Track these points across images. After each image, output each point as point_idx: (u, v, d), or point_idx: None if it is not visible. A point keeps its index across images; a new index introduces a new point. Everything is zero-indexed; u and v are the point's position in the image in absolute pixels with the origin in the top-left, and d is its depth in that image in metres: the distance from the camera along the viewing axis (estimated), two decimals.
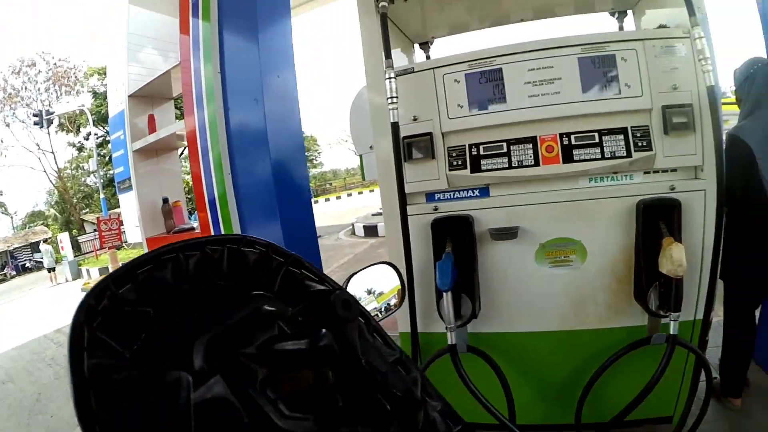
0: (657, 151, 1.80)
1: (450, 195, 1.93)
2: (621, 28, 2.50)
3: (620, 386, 1.96)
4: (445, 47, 2.63)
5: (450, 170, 1.85)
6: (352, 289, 1.05)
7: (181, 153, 4.42)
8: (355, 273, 1.08)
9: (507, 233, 1.82)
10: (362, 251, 8.11)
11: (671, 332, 1.78)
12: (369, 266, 1.11)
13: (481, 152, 1.84)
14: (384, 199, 1.94)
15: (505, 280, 1.93)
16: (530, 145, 1.82)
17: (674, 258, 1.64)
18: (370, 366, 0.49)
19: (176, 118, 3.52)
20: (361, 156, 2.38)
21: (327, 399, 0.45)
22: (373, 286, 1.17)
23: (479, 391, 1.78)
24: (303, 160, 2.68)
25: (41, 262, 19.13)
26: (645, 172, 1.86)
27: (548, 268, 1.90)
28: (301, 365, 0.44)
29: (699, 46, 1.64)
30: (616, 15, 2.46)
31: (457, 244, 1.82)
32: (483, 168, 1.83)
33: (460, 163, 1.85)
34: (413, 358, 1.95)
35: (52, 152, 31.65)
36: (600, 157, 1.80)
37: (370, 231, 9.67)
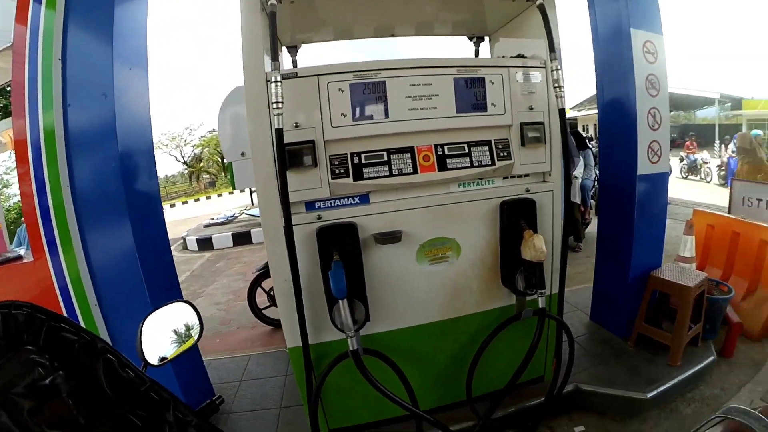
0: (515, 160, 2.15)
1: (331, 203, 2.00)
2: (477, 52, 2.87)
3: (500, 359, 2.36)
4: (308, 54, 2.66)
5: (333, 178, 1.92)
6: (149, 329, 1.17)
7: None
8: (150, 313, 1.16)
9: (391, 237, 1.98)
10: (199, 267, 7.49)
11: (540, 306, 2.20)
12: (165, 305, 1.21)
13: (363, 161, 1.95)
14: (263, 209, 1.93)
15: (390, 281, 2.11)
16: (409, 155, 2.00)
17: (536, 246, 2.02)
18: (116, 393, 0.72)
19: None
20: (230, 164, 2.26)
21: (70, 420, 0.63)
22: (174, 325, 1.27)
23: (386, 387, 1.95)
24: (154, 164, 2.53)
25: None
26: (504, 178, 2.20)
27: (428, 266, 2.14)
28: (50, 396, 0.62)
29: (555, 76, 2.01)
30: (474, 40, 2.77)
31: (343, 252, 1.93)
32: (365, 176, 1.94)
33: (342, 171, 1.93)
34: (306, 370, 2.03)
35: None
36: (469, 165, 2.08)
37: (204, 244, 8.98)
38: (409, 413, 2.01)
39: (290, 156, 1.83)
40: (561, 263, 2.29)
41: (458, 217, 2.12)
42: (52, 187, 2.19)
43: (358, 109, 1.92)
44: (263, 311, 4.37)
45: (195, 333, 1.26)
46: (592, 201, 6.06)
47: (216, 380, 3.07)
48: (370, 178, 1.95)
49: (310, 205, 1.98)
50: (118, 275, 2.31)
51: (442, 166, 2.03)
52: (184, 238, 9.47)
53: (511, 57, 2.23)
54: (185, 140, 36.73)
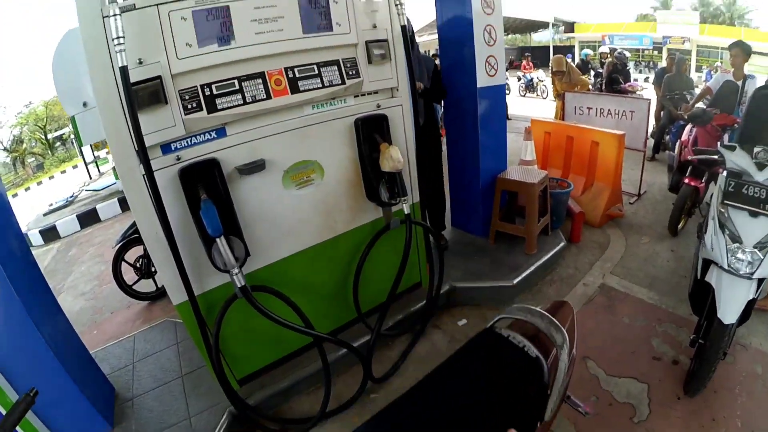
0: (364, 77, 2.44)
1: (188, 141, 2.08)
2: None
3: (380, 272, 2.69)
4: None
5: (186, 114, 2.01)
6: None
7: None
8: None
9: (255, 166, 2.19)
10: (51, 261, 6.72)
11: (406, 213, 2.56)
12: None
13: (215, 91, 2.07)
14: (119, 160, 1.94)
15: (262, 212, 2.31)
16: (260, 80, 2.17)
17: (393, 157, 2.35)
18: None
19: None
20: (73, 117, 2.12)
21: None
22: None
23: (284, 318, 2.14)
24: None
25: None
26: (355, 96, 2.48)
27: (296, 191, 2.40)
28: None
29: None
30: None
31: (209, 189, 2.05)
32: (219, 107, 2.07)
33: (195, 105, 2.03)
34: (199, 323, 2.13)
35: None
36: (321, 86, 2.32)
37: (49, 234, 8.02)
38: (313, 339, 2.29)
39: (138, 96, 1.83)
40: (418, 173, 2.72)
41: (317, 139, 2.40)
42: None
43: (203, 38, 1.98)
44: (133, 287, 4.25)
45: None
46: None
47: (108, 371, 3.03)
48: (224, 109, 2.08)
49: (166, 148, 2.04)
50: None
51: (295, 89, 2.25)
52: (26, 234, 8.31)
53: None
54: None
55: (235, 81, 2.07)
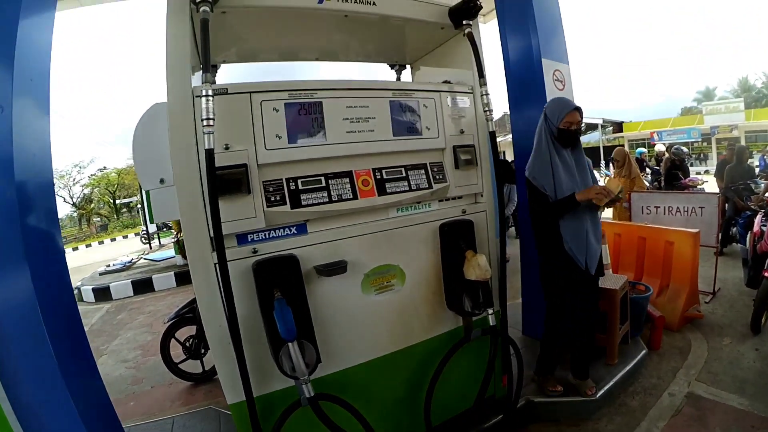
0: (450, 182, 2.30)
1: (266, 234, 1.94)
2: (398, 80, 3.04)
3: (454, 384, 2.38)
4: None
5: (268, 206, 1.88)
6: None
7: None
8: None
9: (336, 268, 1.97)
10: (98, 320, 6.78)
11: (491, 324, 2.31)
12: None
13: (300, 186, 1.96)
14: (190, 244, 1.80)
15: (337, 316, 2.08)
16: (347, 179, 2.06)
17: (481, 265, 2.15)
18: None
19: None
20: (148, 192, 2.05)
21: None
22: None
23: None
24: (53, 193, 2.18)
25: None
26: (440, 200, 2.34)
27: (374, 296, 2.16)
28: None
29: (485, 100, 2.26)
30: (396, 67, 2.96)
31: (284, 288, 1.85)
32: (303, 203, 1.94)
33: (278, 198, 1.90)
34: (254, 428, 1.85)
35: None
36: (407, 189, 2.18)
37: (102, 294, 8.20)
38: None
39: (220, 182, 1.71)
40: (500, 281, 2.46)
41: (400, 243, 2.20)
42: None
43: (293, 131, 1.92)
44: (179, 365, 4.00)
45: None
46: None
47: None
48: (309, 205, 1.94)
49: (242, 239, 1.90)
50: (15, 329, 1.96)
51: (382, 191, 2.11)
52: (78, 288, 8.42)
53: (439, 83, 2.42)
54: (74, 179, 33.32)
55: (322, 178, 1.97)
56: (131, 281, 8.46)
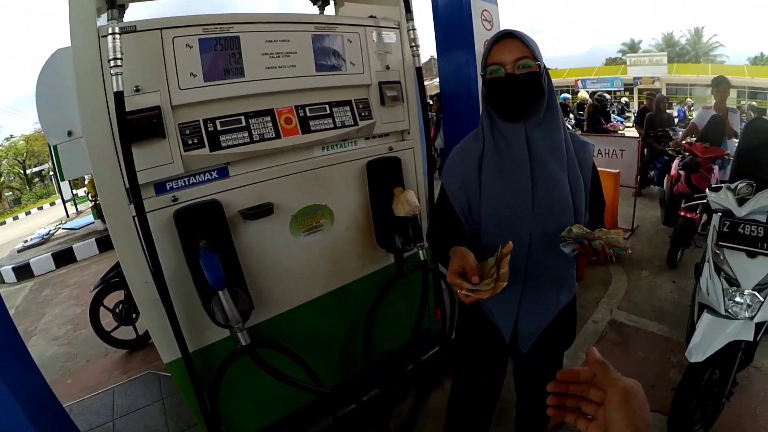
0: (376, 119, 2.24)
1: (186, 181, 1.81)
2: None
3: (390, 320, 2.47)
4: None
5: (186, 150, 1.74)
6: None
7: None
8: None
9: (262, 211, 1.90)
10: (23, 300, 6.33)
11: (422, 259, 2.38)
12: None
13: (219, 127, 1.82)
14: (105, 199, 1.65)
15: (268, 260, 2.03)
16: (269, 118, 1.94)
17: (410, 201, 2.16)
18: None
19: None
20: (55, 147, 1.85)
21: None
22: None
23: (292, 377, 1.92)
24: None
25: None
26: (366, 138, 2.29)
27: (304, 237, 2.13)
28: None
29: (412, 35, 2.19)
30: (319, 3, 2.69)
31: (209, 235, 1.77)
32: (223, 144, 1.81)
33: (196, 141, 1.76)
34: (194, 384, 1.82)
35: None
36: (333, 126, 2.10)
37: (23, 272, 7.63)
38: (318, 396, 2.03)
39: (132, 127, 1.56)
40: (429, 216, 2.48)
41: (326, 182, 2.15)
42: None
43: (209, 69, 1.76)
44: (112, 334, 3.87)
45: None
46: None
47: (85, 428, 2.68)
48: (229, 146, 1.82)
49: (160, 188, 1.76)
50: None
51: (306, 129, 2.02)
52: None
53: (364, 17, 2.28)
54: None
55: (242, 117, 1.84)
56: (51, 254, 7.94)
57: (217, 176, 1.86)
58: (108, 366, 3.81)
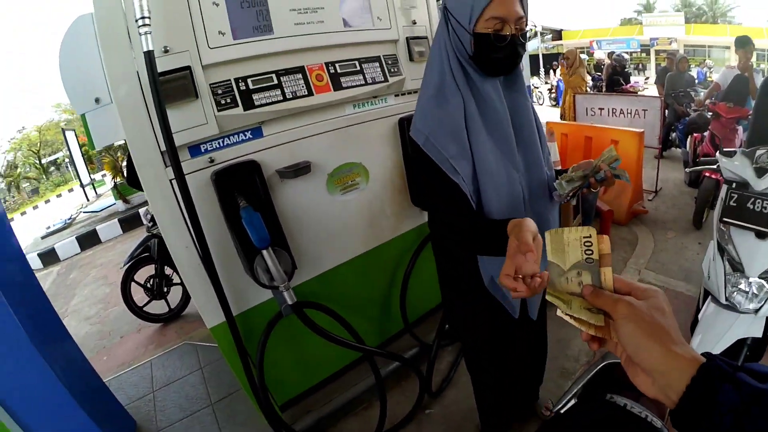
0: (406, 75, 2.16)
1: (220, 143, 1.77)
2: None
3: (425, 279, 2.38)
4: None
5: (219, 110, 1.69)
6: None
7: None
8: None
9: (299, 169, 1.85)
10: (51, 285, 6.39)
11: None
12: None
13: (251, 86, 1.76)
14: (140, 163, 1.62)
15: (306, 219, 2.00)
16: (300, 75, 1.88)
17: None
18: None
19: None
20: (83, 116, 1.80)
21: None
22: None
23: (338, 335, 1.91)
24: None
25: None
26: (396, 95, 2.21)
27: (341, 196, 2.09)
28: None
29: None
30: None
31: (248, 196, 1.74)
32: (257, 103, 1.76)
33: (229, 101, 1.71)
34: (239, 347, 1.81)
35: None
36: (364, 83, 2.03)
37: (48, 257, 7.77)
38: (363, 353, 2.01)
39: (163, 89, 1.52)
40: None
41: (360, 140, 2.10)
42: None
43: (237, 26, 1.70)
44: (144, 309, 3.93)
45: None
46: None
47: (125, 401, 2.72)
48: (263, 105, 1.77)
49: (195, 150, 1.72)
50: None
51: (337, 86, 1.95)
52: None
53: None
54: None
55: (273, 75, 1.78)
56: (75, 237, 8.07)
57: (251, 136, 1.82)
58: (142, 341, 3.85)
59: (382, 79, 2.06)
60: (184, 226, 1.68)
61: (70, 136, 13.51)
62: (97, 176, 14.62)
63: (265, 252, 1.71)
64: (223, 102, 1.70)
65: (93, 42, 1.63)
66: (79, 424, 2.07)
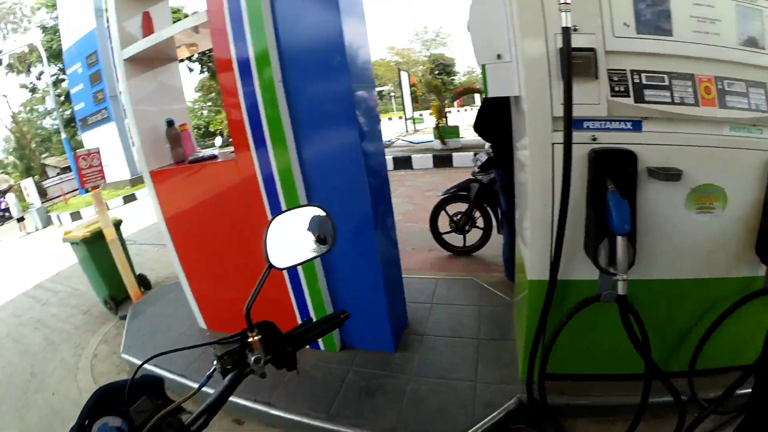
0: None
1: (602, 124, 1.78)
2: None
3: (728, 333, 2.05)
4: None
5: (612, 96, 1.72)
6: (276, 231, 0.98)
7: None
8: (278, 215, 1.00)
9: (670, 174, 1.74)
10: (406, 185, 7.43)
11: None
12: (294, 209, 1.06)
13: (643, 81, 1.75)
14: (532, 121, 1.75)
15: (655, 224, 1.88)
16: (689, 83, 1.78)
17: None
18: None
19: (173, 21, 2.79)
20: (484, 66, 2.02)
21: None
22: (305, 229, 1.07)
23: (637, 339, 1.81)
24: (371, 75, 2.80)
25: (6, 212, 17.68)
26: None
27: (694, 214, 1.89)
28: None
29: None
30: None
31: (617, 182, 1.71)
32: (646, 99, 1.73)
33: (622, 89, 1.72)
34: (545, 308, 1.86)
35: (4, 96, 29.58)
36: (747, 107, 1.83)
37: (402, 163, 9.29)
38: (657, 376, 1.85)
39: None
40: None
41: (728, 165, 1.87)
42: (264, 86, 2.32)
43: (641, 21, 1.73)
44: (443, 236, 4.36)
45: (329, 242, 1.08)
46: None
47: (408, 299, 3.04)
48: (651, 102, 1.73)
49: (577, 123, 1.74)
50: (334, 170, 2.48)
51: (722, 103, 1.80)
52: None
53: None
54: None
55: (665, 76, 1.74)
56: (393, 157, 9.50)
57: (630, 128, 1.78)
58: (431, 260, 4.32)
59: (765, 109, 1.85)
60: (549, 185, 1.80)
61: (404, 75, 16.43)
62: (416, 113, 17.37)
63: (619, 238, 1.66)
64: (616, 89, 1.72)
65: (501, 9, 1.89)
66: (375, 303, 2.56)
